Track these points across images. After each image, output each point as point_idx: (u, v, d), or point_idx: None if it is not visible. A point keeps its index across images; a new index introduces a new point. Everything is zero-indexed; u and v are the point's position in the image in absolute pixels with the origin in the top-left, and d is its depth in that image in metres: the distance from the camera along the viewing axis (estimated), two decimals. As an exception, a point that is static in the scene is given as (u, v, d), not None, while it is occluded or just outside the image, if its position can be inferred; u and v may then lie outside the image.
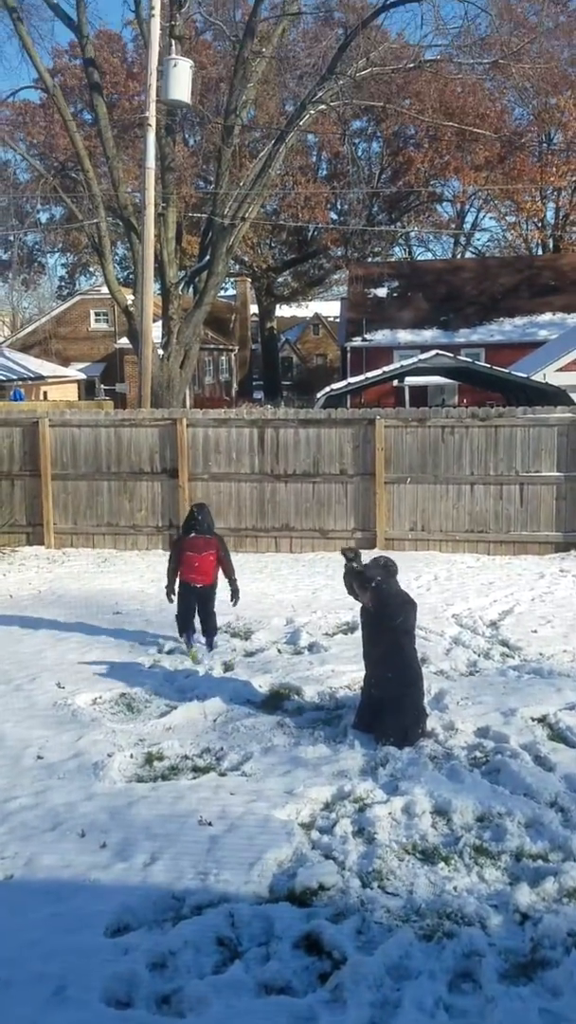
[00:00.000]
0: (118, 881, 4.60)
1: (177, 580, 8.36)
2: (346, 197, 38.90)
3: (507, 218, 46.85)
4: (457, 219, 49.58)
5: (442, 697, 6.97)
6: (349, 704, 6.80)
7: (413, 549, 12.75)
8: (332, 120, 27.81)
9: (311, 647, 8.48)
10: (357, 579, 6.37)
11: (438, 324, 36.73)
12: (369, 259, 46.38)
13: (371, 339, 36.26)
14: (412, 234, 49.94)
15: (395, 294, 38.68)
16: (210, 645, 8.44)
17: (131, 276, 27.17)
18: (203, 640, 8.49)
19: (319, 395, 22.77)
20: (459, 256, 49.09)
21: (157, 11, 15.26)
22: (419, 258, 50.43)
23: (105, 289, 25.59)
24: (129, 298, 20.95)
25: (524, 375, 20.87)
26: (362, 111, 34.50)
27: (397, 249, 51.52)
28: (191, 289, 21.97)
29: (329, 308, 64.64)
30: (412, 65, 20.60)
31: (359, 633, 6.68)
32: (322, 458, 13.09)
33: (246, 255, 46.05)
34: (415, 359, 22.25)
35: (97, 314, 45.65)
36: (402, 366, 22.86)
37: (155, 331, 17.47)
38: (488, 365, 23.32)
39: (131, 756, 6.09)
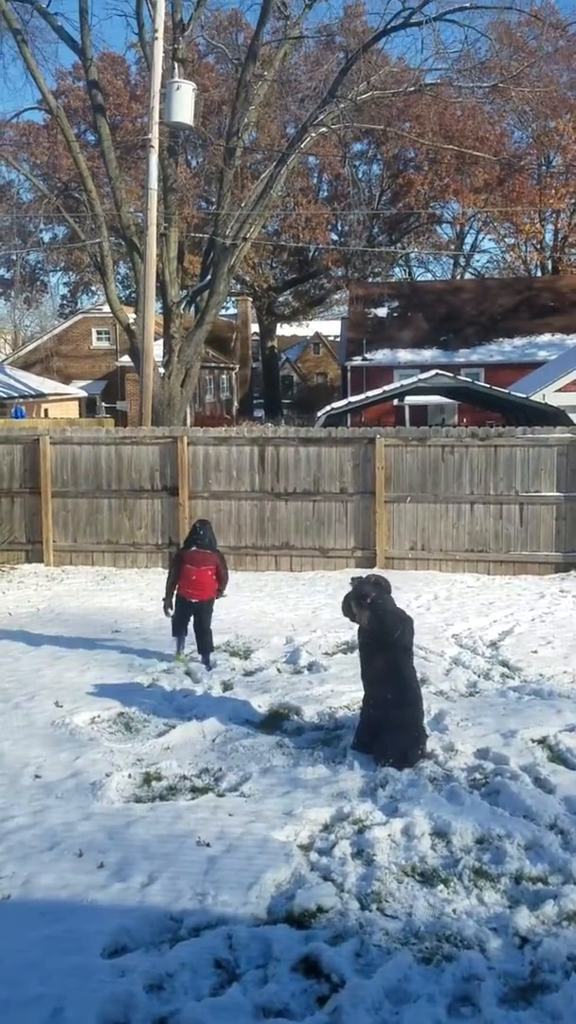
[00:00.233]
0: (115, 902, 4.57)
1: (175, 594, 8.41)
2: (347, 218, 39.17)
3: (506, 240, 47.21)
4: (457, 240, 50.00)
5: (442, 718, 6.95)
6: (349, 724, 6.76)
7: (413, 568, 12.75)
8: (333, 142, 28.12)
9: (311, 666, 8.46)
10: (353, 599, 6.38)
11: (438, 344, 36.92)
12: (369, 279, 46.71)
13: (371, 358, 36.43)
14: (412, 255, 50.30)
15: (395, 314, 38.90)
16: (207, 663, 8.43)
17: (133, 295, 27.29)
18: (199, 658, 8.49)
19: (320, 414, 22.85)
20: (459, 277, 49.44)
21: (160, 34, 15.47)
22: (419, 279, 50.72)
23: (107, 308, 25.68)
24: (131, 316, 21.06)
25: (523, 395, 20.99)
26: (363, 134, 34.88)
27: (397, 270, 51.91)
28: (192, 308, 22.13)
29: (329, 327, 65.00)
30: (412, 89, 20.84)
31: (358, 653, 6.67)
32: (322, 477, 13.11)
33: (247, 275, 46.29)
34: (415, 379, 22.34)
35: (99, 332, 45.79)
36: (402, 385, 22.96)
37: (156, 350, 17.54)
38: (488, 385, 23.44)
39: (129, 776, 6.06)
